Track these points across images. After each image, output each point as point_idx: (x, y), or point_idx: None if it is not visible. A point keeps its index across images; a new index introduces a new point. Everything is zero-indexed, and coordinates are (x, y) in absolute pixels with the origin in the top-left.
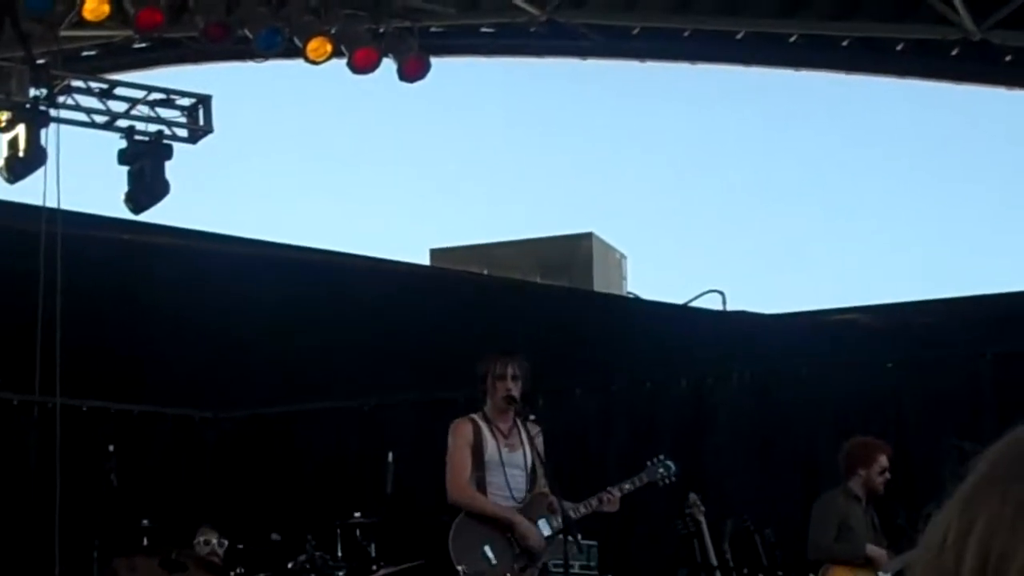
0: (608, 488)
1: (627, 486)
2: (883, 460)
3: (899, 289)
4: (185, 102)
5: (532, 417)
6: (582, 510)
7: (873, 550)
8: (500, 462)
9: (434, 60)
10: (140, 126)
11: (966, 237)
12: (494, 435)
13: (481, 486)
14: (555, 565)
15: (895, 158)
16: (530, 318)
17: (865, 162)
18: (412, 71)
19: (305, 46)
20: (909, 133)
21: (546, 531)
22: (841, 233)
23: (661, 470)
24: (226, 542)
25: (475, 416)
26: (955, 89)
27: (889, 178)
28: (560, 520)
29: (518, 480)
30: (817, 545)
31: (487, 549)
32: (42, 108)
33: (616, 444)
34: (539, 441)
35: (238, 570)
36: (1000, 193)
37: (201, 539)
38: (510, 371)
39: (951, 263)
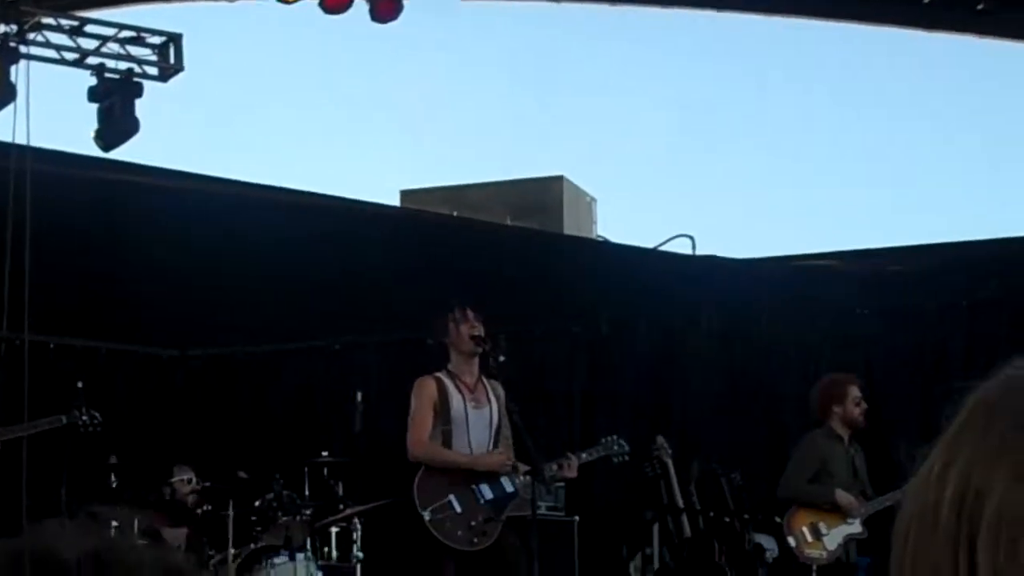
0: (568, 453)
1: (584, 455)
2: (854, 391)
3: (874, 236)
4: (156, 40)
5: (501, 359)
6: (545, 476)
7: (842, 496)
8: (465, 419)
9: (406, 1)
10: (110, 64)
11: (945, 184)
12: (460, 391)
13: (447, 441)
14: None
15: (875, 104)
16: (500, 260)
17: (844, 107)
18: (385, 12)
19: None
20: (889, 79)
21: (509, 488)
22: (815, 178)
23: (615, 447)
24: (205, 483)
25: (439, 374)
26: (932, 37)
27: (868, 124)
28: (522, 478)
29: (482, 438)
30: (787, 484)
31: (452, 498)
32: (11, 44)
33: (582, 387)
34: (503, 398)
35: (205, 507)
36: (979, 141)
37: (183, 477)
38: (470, 314)
39: (928, 210)
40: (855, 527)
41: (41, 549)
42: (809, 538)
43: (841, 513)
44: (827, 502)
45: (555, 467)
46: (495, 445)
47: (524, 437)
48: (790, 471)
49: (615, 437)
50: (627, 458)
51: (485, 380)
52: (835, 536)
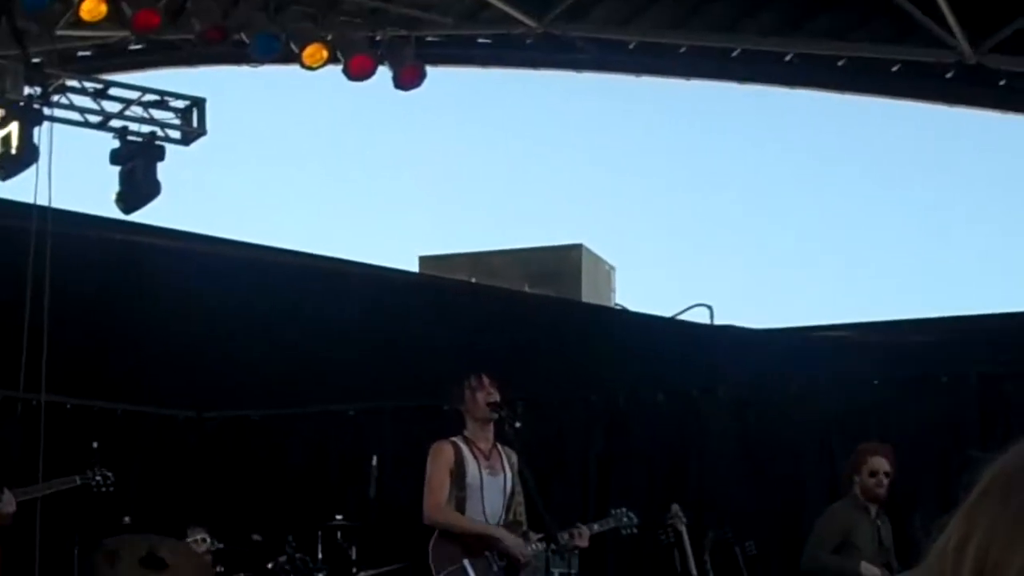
0: (578, 524)
1: (596, 527)
2: (873, 463)
3: (889, 308)
4: (179, 104)
5: (517, 425)
6: (560, 544)
7: (867, 570)
8: (480, 486)
9: (430, 69)
10: (133, 127)
11: (957, 259)
12: (475, 457)
13: (460, 507)
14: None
15: (888, 178)
16: (518, 327)
17: (858, 182)
18: (408, 79)
19: (301, 52)
20: (903, 154)
21: None
22: (831, 251)
23: (625, 519)
24: (220, 544)
25: (455, 439)
26: (949, 111)
27: (881, 198)
28: (534, 548)
29: (496, 505)
30: (811, 556)
31: (466, 563)
32: (36, 106)
33: (598, 455)
34: (516, 465)
35: (218, 569)
36: (992, 216)
37: (197, 537)
38: (486, 381)
39: (941, 284)
40: None
41: None
42: None
43: None
44: (852, 574)
45: (567, 536)
46: (508, 512)
47: (537, 504)
48: (813, 542)
49: (624, 510)
50: (636, 531)
51: (500, 447)
52: None
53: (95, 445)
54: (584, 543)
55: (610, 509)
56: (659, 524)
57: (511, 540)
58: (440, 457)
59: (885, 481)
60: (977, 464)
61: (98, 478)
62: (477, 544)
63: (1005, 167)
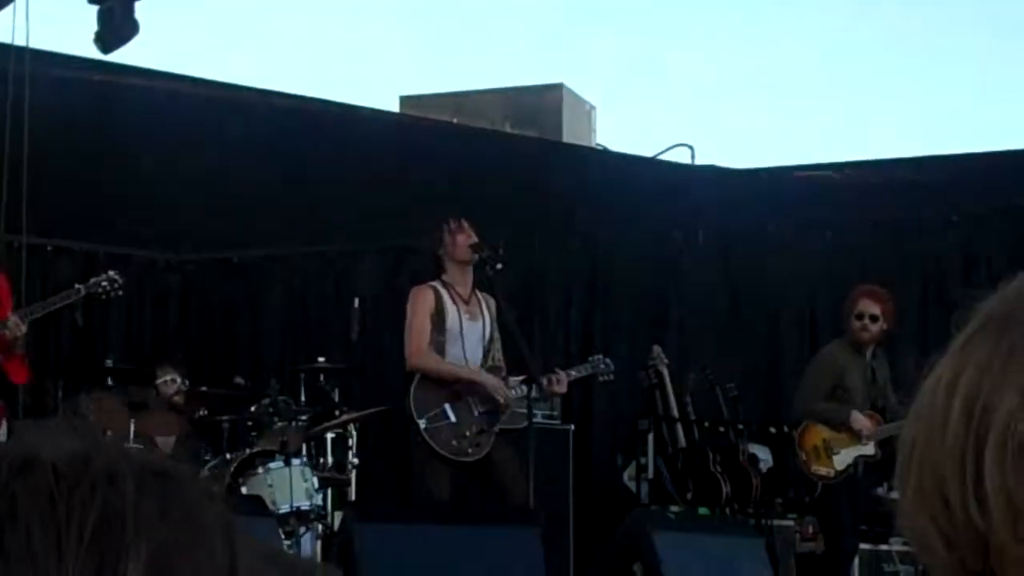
0: (556, 369)
1: (573, 373)
2: (860, 305)
3: (874, 147)
4: None
5: (499, 266)
6: (542, 388)
7: (857, 419)
8: (460, 331)
9: None
10: None
11: (951, 93)
12: (455, 302)
13: (440, 351)
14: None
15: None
16: (498, 167)
17: (842, 13)
18: None
19: None
20: None
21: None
22: (817, 88)
23: (602, 366)
24: (188, 382)
25: (435, 283)
26: None
27: (868, 30)
28: (516, 390)
29: (475, 350)
30: (801, 401)
31: (447, 407)
32: None
33: (580, 296)
34: (494, 311)
35: (201, 412)
36: (983, 52)
37: (167, 378)
38: (466, 224)
39: (929, 122)
40: (868, 448)
41: (23, 453)
42: (820, 455)
43: (855, 434)
44: (843, 423)
45: (545, 383)
46: (487, 358)
47: (520, 344)
48: (804, 387)
49: (601, 356)
50: (612, 377)
51: (478, 293)
52: (846, 456)
53: (77, 286)
54: (562, 389)
55: (596, 348)
56: (641, 365)
57: (492, 383)
58: (421, 302)
59: (870, 325)
60: (968, 302)
61: (104, 284)
62: (457, 389)
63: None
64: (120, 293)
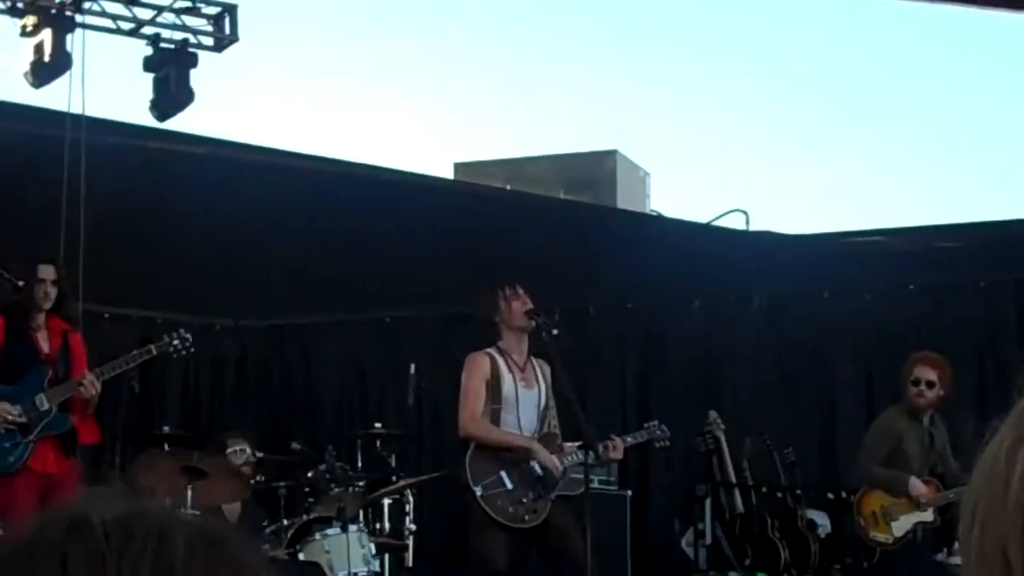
0: (612, 436)
1: (629, 439)
2: (916, 372)
3: (925, 214)
4: (211, 10)
5: (555, 332)
6: (599, 455)
7: (916, 486)
8: (516, 399)
9: None
10: (165, 33)
11: (997, 162)
12: (511, 370)
13: (495, 420)
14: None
15: (929, 78)
16: (552, 234)
17: (895, 82)
18: None
19: None
20: (939, 54)
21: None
22: (869, 156)
23: (658, 432)
24: (260, 453)
25: (491, 351)
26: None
27: (921, 99)
28: (568, 459)
29: (530, 419)
30: (860, 465)
31: (503, 475)
32: (67, 13)
33: (635, 362)
34: (550, 378)
35: (258, 478)
36: None
37: (236, 448)
38: (520, 291)
39: (979, 189)
40: (927, 515)
41: (72, 514)
42: (878, 521)
43: (914, 501)
44: (902, 491)
45: (601, 449)
46: (543, 425)
47: (576, 410)
48: (863, 453)
49: (657, 423)
50: (668, 443)
51: (533, 360)
52: (904, 523)
53: (135, 352)
54: (618, 455)
55: (652, 415)
56: (697, 431)
57: (544, 455)
58: (476, 369)
59: (927, 391)
60: None
61: (175, 342)
62: (513, 456)
63: None
64: (192, 350)
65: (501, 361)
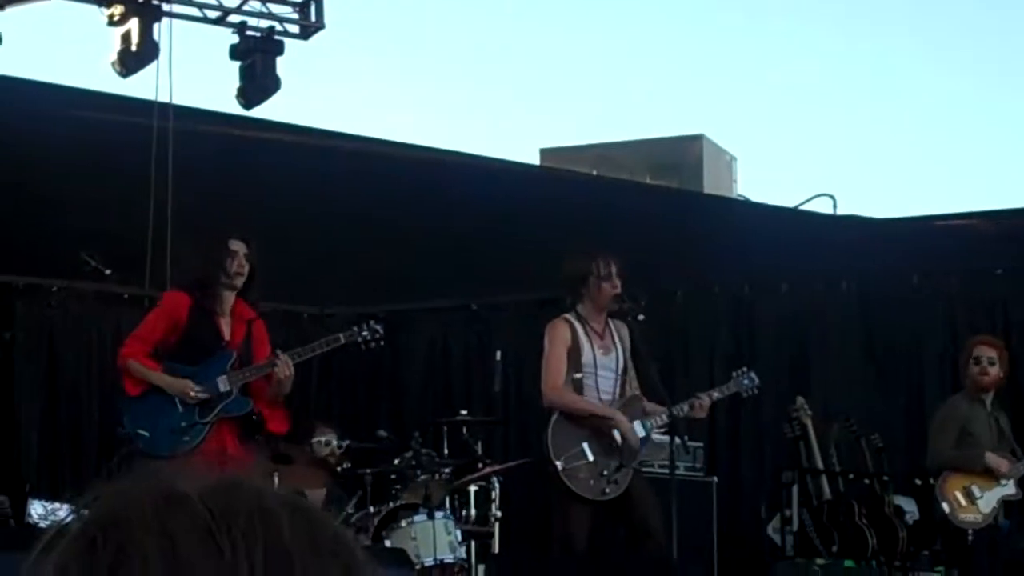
0: (698, 393)
1: (715, 394)
2: (977, 351)
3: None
4: None
5: (641, 317)
6: (673, 413)
7: (992, 459)
8: (594, 365)
9: None
10: (252, 21)
11: None
12: (589, 337)
13: (578, 388)
14: (661, 466)
15: (1006, 66)
16: (639, 219)
17: (982, 67)
18: None
19: None
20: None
21: (640, 432)
22: (956, 137)
23: (746, 381)
24: (346, 442)
25: (569, 317)
26: None
27: (1008, 83)
28: (653, 422)
29: (609, 383)
30: (934, 453)
31: (585, 446)
32: (155, 2)
33: (721, 347)
34: (628, 340)
35: (344, 465)
36: None
37: (323, 438)
38: (615, 269)
39: None
40: (1009, 488)
41: (160, 488)
42: (963, 502)
43: (993, 475)
44: (977, 467)
45: (686, 408)
46: (622, 390)
47: (661, 392)
48: (934, 440)
49: (745, 369)
50: (757, 391)
51: (611, 322)
52: (989, 499)
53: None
54: (703, 413)
55: (730, 408)
56: (784, 417)
57: (626, 426)
58: (557, 336)
59: (989, 368)
60: None
61: (365, 333)
62: (595, 426)
63: None
64: (382, 343)
65: (580, 328)
